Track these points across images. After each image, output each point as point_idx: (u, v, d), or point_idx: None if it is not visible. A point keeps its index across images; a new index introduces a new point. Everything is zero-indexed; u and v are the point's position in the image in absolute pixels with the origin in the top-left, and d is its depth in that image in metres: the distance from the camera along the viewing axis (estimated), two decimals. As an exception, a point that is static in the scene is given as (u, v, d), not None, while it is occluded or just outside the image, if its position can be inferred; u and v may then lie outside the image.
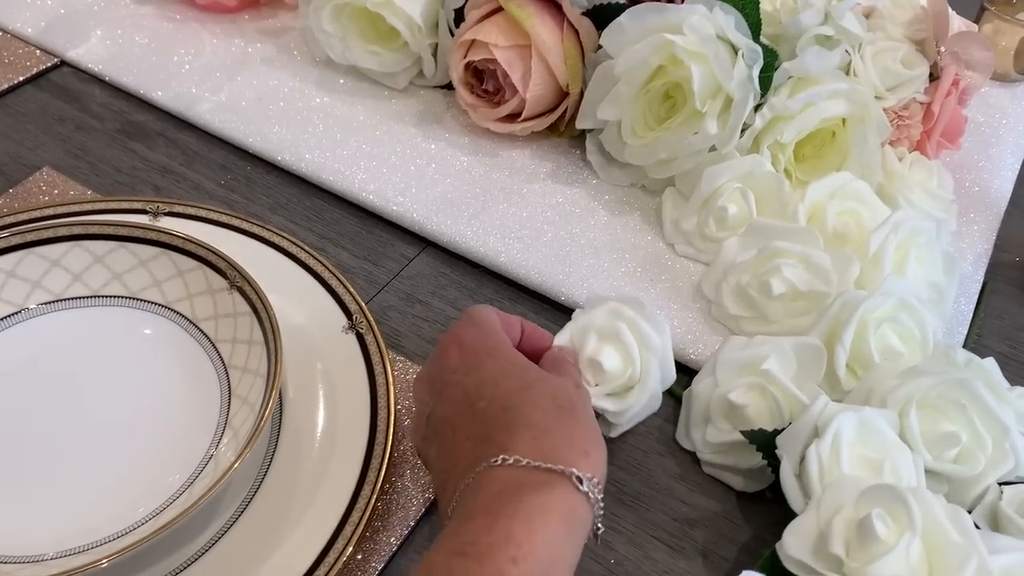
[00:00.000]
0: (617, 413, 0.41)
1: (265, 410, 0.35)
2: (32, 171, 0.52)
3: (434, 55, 0.58)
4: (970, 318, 0.48)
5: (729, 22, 0.48)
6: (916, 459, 0.37)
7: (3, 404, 0.39)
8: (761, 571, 0.34)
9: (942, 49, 0.53)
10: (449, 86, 0.58)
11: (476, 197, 0.52)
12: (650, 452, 0.43)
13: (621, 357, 0.41)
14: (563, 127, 0.56)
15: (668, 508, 0.41)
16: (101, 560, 0.31)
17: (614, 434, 0.42)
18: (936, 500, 0.33)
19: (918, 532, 0.32)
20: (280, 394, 0.41)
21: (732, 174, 0.48)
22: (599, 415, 0.41)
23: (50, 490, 0.37)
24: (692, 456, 0.42)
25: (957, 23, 0.58)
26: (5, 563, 0.34)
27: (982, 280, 0.51)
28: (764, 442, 0.38)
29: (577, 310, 0.42)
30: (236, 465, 0.34)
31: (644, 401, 0.41)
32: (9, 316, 0.42)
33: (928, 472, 0.37)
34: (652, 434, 0.43)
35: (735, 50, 0.49)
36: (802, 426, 0.37)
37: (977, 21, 0.65)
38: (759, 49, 0.48)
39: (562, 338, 0.41)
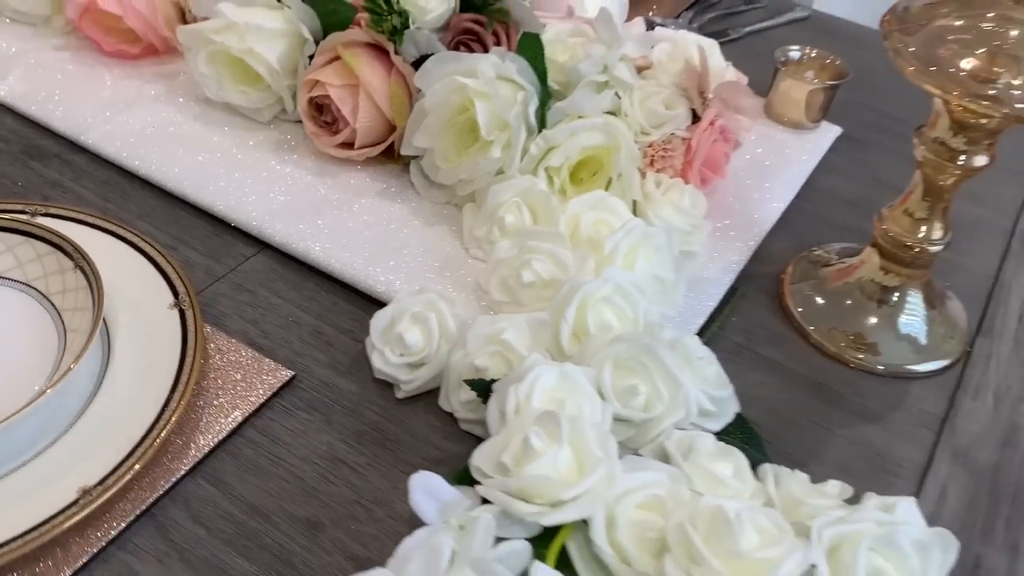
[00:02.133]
0: (407, 381, 0.51)
1: (80, 355, 0.45)
2: (-60, 181, 0.62)
3: (293, 95, 0.68)
4: (709, 313, 0.58)
5: (512, 68, 0.59)
6: (606, 406, 0.46)
7: None
8: (456, 481, 0.42)
9: (710, 96, 0.64)
10: (306, 120, 0.69)
11: (312, 208, 0.62)
12: (418, 411, 0.52)
13: (423, 338, 0.51)
14: (397, 155, 0.66)
15: (422, 452, 0.50)
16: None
17: (399, 396, 0.52)
18: (589, 425, 0.42)
19: (565, 445, 0.41)
20: (108, 348, 0.50)
21: (512, 191, 0.58)
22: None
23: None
24: (452, 416, 0.52)
25: (731, 75, 0.68)
26: None
27: (729, 285, 0.61)
28: (483, 388, 0.47)
29: (403, 292, 0.53)
30: (55, 384, 0.43)
31: (430, 376, 0.51)
32: None
33: (617, 418, 0.46)
34: (427, 399, 0.52)
35: (519, 88, 0.59)
36: (513, 375, 0.46)
37: (773, 78, 0.76)
38: (534, 91, 0.59)
39: (382, 316, 0.51)
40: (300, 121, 0.69)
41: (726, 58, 0.70)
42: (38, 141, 0.67)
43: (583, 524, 0.41)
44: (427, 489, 0.40)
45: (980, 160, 0.52)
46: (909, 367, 0.57)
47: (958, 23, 0.49)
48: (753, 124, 0.66)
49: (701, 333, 0.57)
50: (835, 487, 0.45)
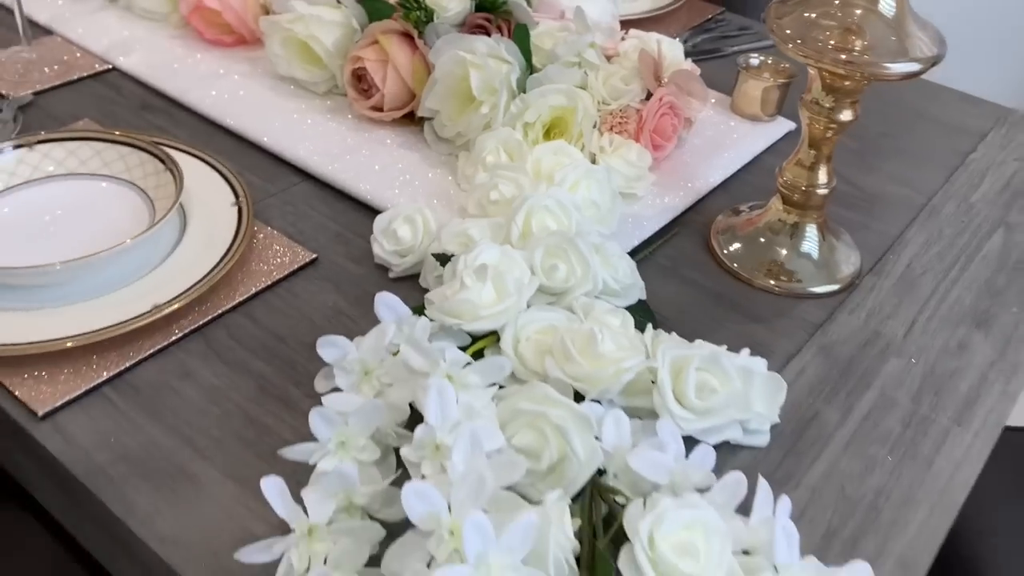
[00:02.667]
0: (397, 265, 0.69)
1: (163, 217, 0.64)
2: (75, 120, 0.84)
3: (343, 73, 0.88)
4: (642, 240, 0.74)
5: (501, 47, 0.77)
6: (534, 278, 0.62)
7: (32, 221, 0.69)
8: (414, 312, 0.59)
9: (665, 79, 0.80)
10: (355, 95, 0.88)
11: (348, 152, 0.81)
12: (404, 287, 0.69)
13: (411, 234, 0.68)
14: (416, 120, 0.84)
15: (402, 314, 0.66)
16: (56, 263, 0.59)
17: (391, 276, 0.69)
18: (509, 276, 0.58)
19: (488, 284, 0.57)
20: (184, 224, 0.69)
21: (495, 140, 0.75)
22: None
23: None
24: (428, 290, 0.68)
25: (687, 65, 0.85)
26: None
27: (666, 223, 0.76)
28: (444, 259, 0.64)
29: (400, 204, 0.71)
30: (138, 236, 0.62)
31: (414, 262, 0.69)
32: (42, 178, 0.72)
33: (542, 289, 0.62)
34: (411, 279, 0.69)
35: (505, 62, 0.77)
36: (466, 252, 0.62)
37: (736, 78, 0.92)
38: (518, 65, 0.76)
39: (383, 217, 0.69)
40: (346, 93, 0.89)
41: (715, 71, 0.86)
42: (150, 100, 0.89)
43: (497, 344, 0.57)
44: (388, 305, 0.57)
45: (846, 115, 0.66)
46: (805, 288, 0.71)
47: (819, 10, 0.64)
48: (702, 105, 0.82)
49: (633, 254, 0.72)
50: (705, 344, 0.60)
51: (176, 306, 0.62)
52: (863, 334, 0.68)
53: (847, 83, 0.65)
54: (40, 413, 0.55)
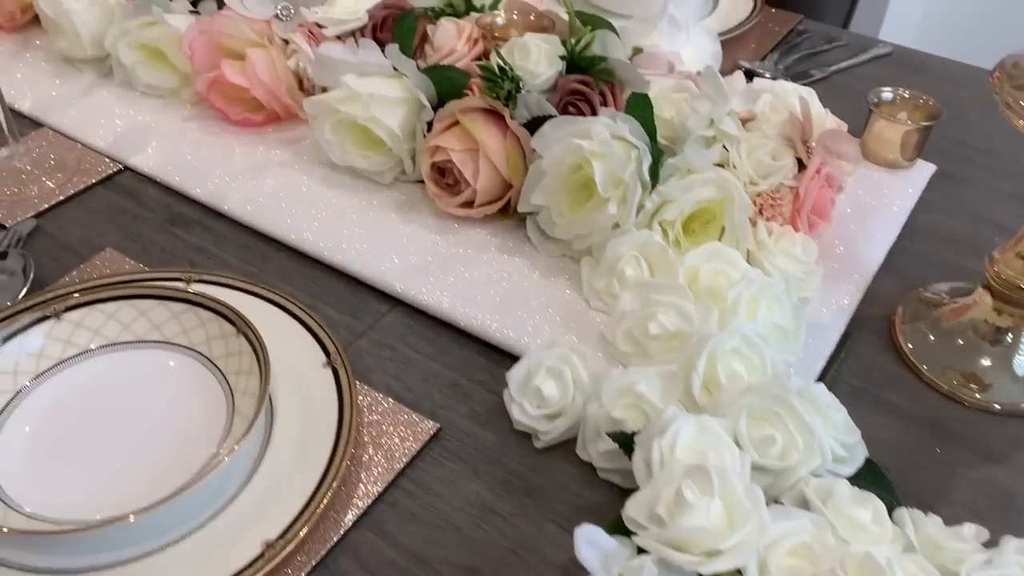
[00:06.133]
0: (545, 432, 0.55)
1: (254, 420, 0.49)
2: (98, 251, 0.68)
3: (412, 157, 0.73)
4: (827, 357, 0.60)
5: (625, 128, 0.62)
6: (744, 456, 0.48)
7: (73, 416, 0.54)
8: (612, 531, 0.45)
9: (812, 144, 0.66)
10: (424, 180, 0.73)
11: (439, 264, 0.66)
12: (557, 460, 0.55)
13: (559, 391, 0.54)
14: (511, 211, 0.70)
15: (565, 500, 0.53)
16: (128, 515, 0.45)
17: (538, 446, 0.55)
18: (736, 478, 0.45)
19: (716, 497, 0.43)
20: (271, 408, 0.54)
21: (630, 245, 0.61)
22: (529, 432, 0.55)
23: (101, 477, 0.51)
24: (590, 465, 0.54)
25: (830, 122, 0.71)
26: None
27: (844, 329, 0.63)
28: (625, 441, 0.50)
29: (535, 347, 0.56)
30: (232, 453, 0.47)
31: (567, 426, 0.55)
32: (77, 355, 0.56)
33: (755, 467, 0.49)
34: (564, 448, 0.55)
35: (631, 146, 0.63)
36: (654, 428, 0.49)
37: (867, 120, 0.78)
38: (647, 148, 0.62)
39: (519, 370, 0.55)
40: (419, 181, 0.73)
41: (824, 100, 0.72)
42: (179, 208, 0.73)
43: (737, 572, 0.43)
44: (590, 541, 0.43)
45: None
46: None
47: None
48: (854, 168, 0.69)
49: (821, 378, 0.59)
50: (971, 530, 0.47)
51: (294, 542, 0.47)
52: (1123, 464, 0.56)
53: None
54: None
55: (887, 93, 0.78)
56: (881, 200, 0.74)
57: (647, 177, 0.62)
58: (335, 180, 0.74)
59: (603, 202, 0.62)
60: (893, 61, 0.97)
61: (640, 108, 0.65)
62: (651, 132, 0.64)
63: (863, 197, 0.74)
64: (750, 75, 0.82)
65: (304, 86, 0.80)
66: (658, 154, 0.63)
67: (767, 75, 0.90)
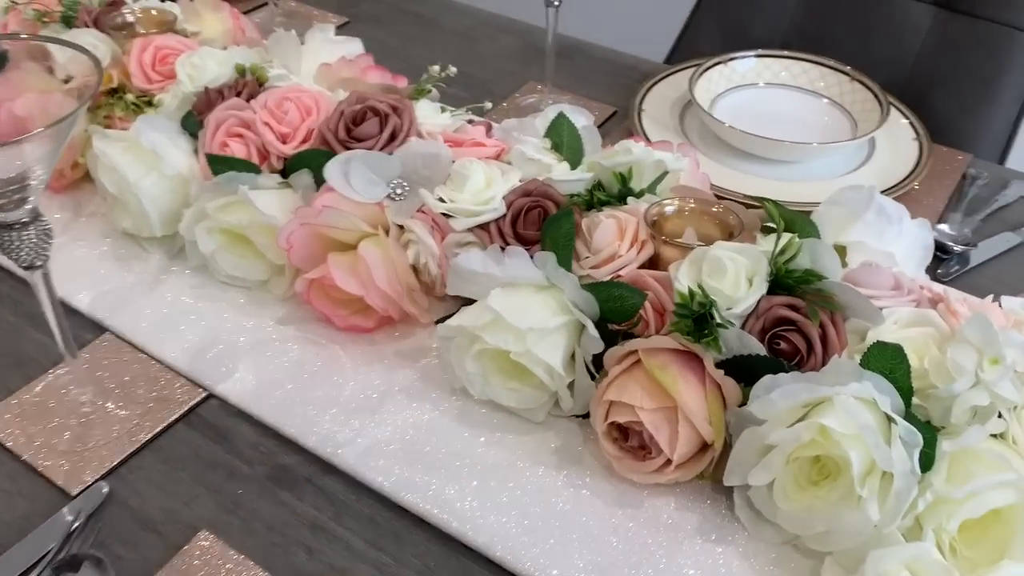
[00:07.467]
0: None
1: None
2: (190, 532, 0.53)
3: (570, 388, 0.58)
4: None
5: (885, 401, 0.48)
6: None
7: None
8: None
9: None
10: (585, 415, 0.59)
11: (625, 551, 0.52)
12: None
13: None
14: (706, 473, 0.55)
15: None
16: None
17: None
18: None
19: None
20: None
21: (898, 560, 0.47)
22: None
23: None
24: None
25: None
26: None
27: None
28: None
29: None
30: None
31: None
32: None
33: None
34: None
35: (888, 420, 0.48)
36: None
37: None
38: (916, 431, 0.48)
39: None
40: (578, 416, 0.59)
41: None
42: (283, 459, 0.58)
43: None
44: None
45: None
46: None
47: None
48: None
49: None
50: None
51: None
52: None
53: None
54: None
55: None
56: None
57: (919, 469, 0.47)
58: (473, 418, 0.60)
59: (855, 497, 0.48)
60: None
61: (889, 360, 0.51)
62: (907, 396, 0.50)
63: None
64: (940, 248, 0.69)
65: (421, 277, 0.66)
66: (930, 433, 0.48)
67: (955, 247, 0.75)
